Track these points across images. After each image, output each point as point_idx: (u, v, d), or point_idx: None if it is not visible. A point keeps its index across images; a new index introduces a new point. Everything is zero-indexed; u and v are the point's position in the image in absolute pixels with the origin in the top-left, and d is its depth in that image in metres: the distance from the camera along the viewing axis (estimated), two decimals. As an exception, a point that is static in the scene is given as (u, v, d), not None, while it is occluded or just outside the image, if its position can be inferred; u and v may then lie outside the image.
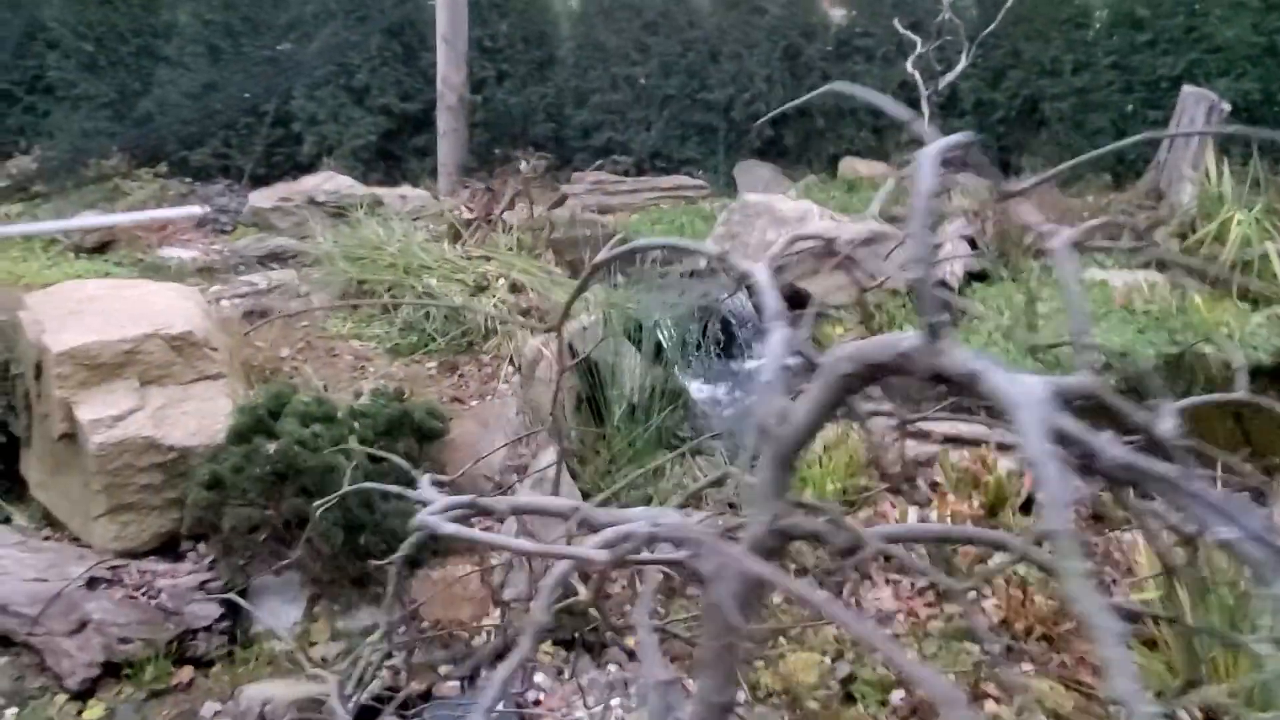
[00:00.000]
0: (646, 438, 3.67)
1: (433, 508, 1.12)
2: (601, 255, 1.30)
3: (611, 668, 2.76)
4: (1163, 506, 0.95)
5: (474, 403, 3.82)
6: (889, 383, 4.38)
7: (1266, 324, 5.96)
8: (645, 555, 1.02)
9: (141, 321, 3.35)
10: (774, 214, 6.43)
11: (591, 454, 3.85)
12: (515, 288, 4.42)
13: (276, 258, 6.81)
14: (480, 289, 4.38)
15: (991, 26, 7.67)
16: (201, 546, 3.18)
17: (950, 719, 0.64)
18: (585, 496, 3.53)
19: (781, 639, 2.73)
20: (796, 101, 1.79)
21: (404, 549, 1.38)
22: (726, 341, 5.69)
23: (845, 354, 0.94)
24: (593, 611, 2.90)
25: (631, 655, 2.75)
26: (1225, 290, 6.55)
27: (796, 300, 6.32)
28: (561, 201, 5.55)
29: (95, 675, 2.67)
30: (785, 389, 0.96)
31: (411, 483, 3.16)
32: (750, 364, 5.72)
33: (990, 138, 8.89)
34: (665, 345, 4.52)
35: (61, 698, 2.64)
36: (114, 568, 2.95)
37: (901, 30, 8.01)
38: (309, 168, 9.58)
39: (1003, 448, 3.57)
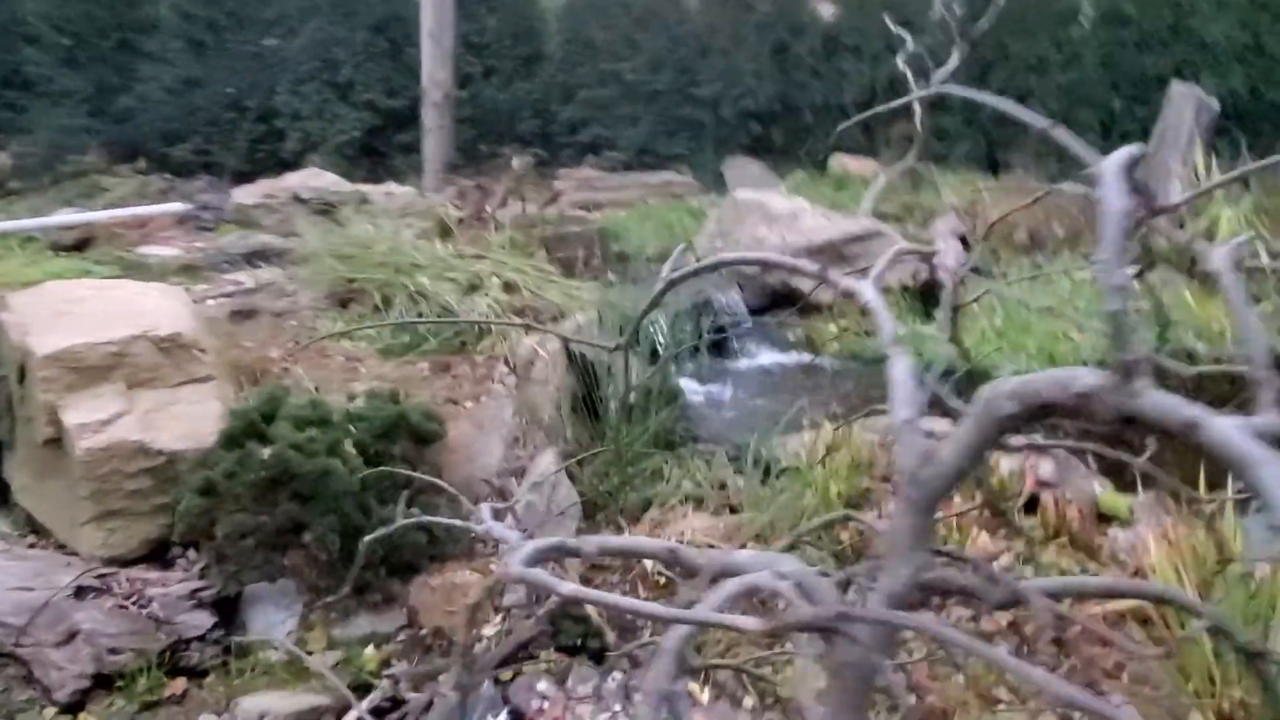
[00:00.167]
0: (645, 439, 3.62)
1: (520, 554, 1.00)
2: (681, 272, 1.23)
3: (617, 675, 2.71)
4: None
5: (469, 404, 3.75)
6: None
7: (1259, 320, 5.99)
8: (793, 618, 0.89)
9: (128, 323, 3.26)
10: (766, 211, 6.39)
11: (590, 456, 3.79)
12: (509, 287, 4.36)
13: (261, 256, 6.70)
14: (473, 288, 4.31)
15: (985, 25, 7.65)
16: (191, 553, 3.10)
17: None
18: (583, 499, 3.48)
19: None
20: (896, 103, 1.68)
21: (479, 594, 1.25)
22: (719, 339, 5.65)
23: (1007, 391, 0.84)
24: (595, 617, 2.86)
25: (635, 662, 2.70)
26: (1215, 287, 6.58)
27: (788, 297, 6.30)
28: (554, 199, 5.50)
29: (85, 687, 2.59)
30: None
31: (410, 484, 3.11)
32: (743, 363, 5.69)
33: (978, 135, 8.90)
34: (661, 344, 4.47)
35: (50, 711, 2.56)
36: (102, 576, 2.87)
37: (893, 27, 7.99)
38: (292, 164, 9.46)
39: (1004, 448, 3.55)
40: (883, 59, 8.82)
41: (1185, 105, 7.38)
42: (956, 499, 3.04)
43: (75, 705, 2.57)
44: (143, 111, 9.85)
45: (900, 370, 0.88)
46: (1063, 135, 0.93)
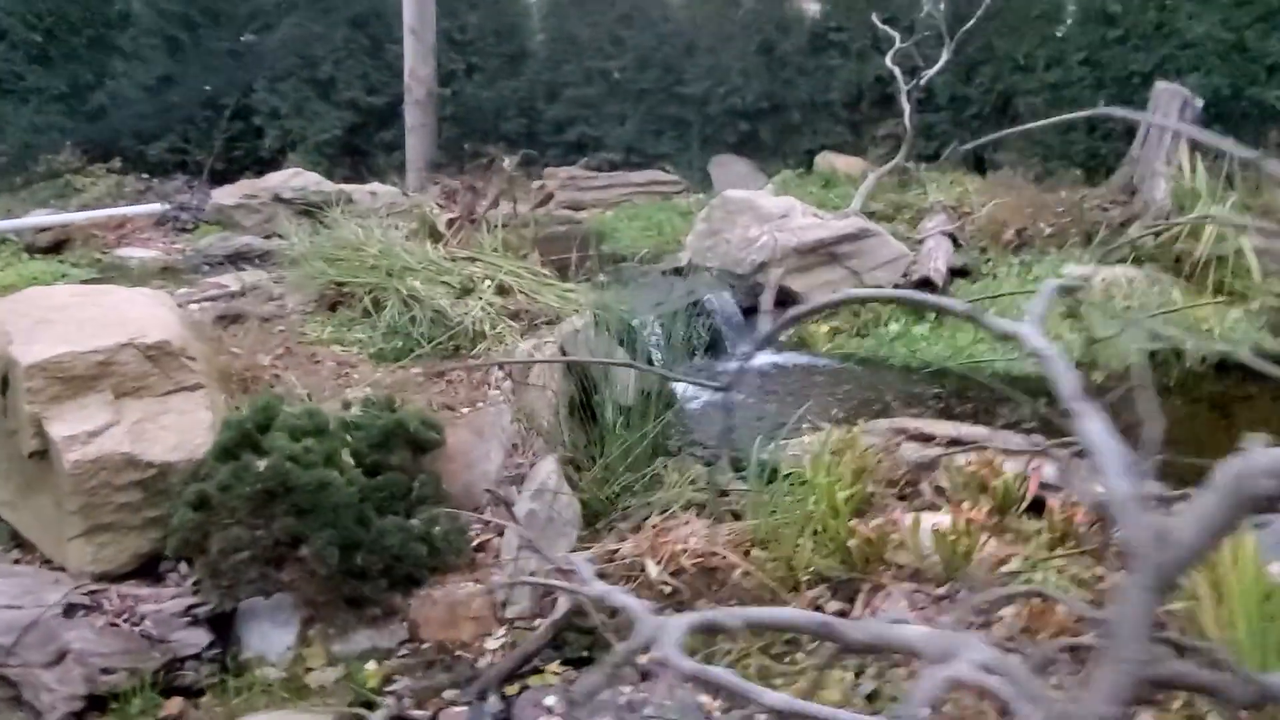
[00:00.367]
0: (646, 445, 3.56)
1: (671, 633, 0.88)
2: (804, 309, 1.16)
3: (625, 688, 2.66)
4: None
5: (465, 410, 3.68)
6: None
7: (1245, 319, 6.03)
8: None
9: (115, 330, 3.16)
10: (756, 210, 6.35)
11: (586, 460, 3.74)
12: (503, 290, 4.28)
13: (243, 257, 6.60)
14: (466, 291, 4.24)
15: (970, 23, 7.65)
16: (183, 567, 3.02)
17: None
18: (584, 505, 3.42)
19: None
20: (1059, 119, 1.54)
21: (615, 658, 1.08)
22: (711, 341, 5.60)
23: (1264, 468, 0.74)
24: (601, 629, 2.81)
25: (645, 675, 2.65)
26: (1201, 285, 6.62)
27: (782, 298, 6.26)
28: (548, 200, 5.43)
29: (78, 709, 2.50)
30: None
31: (409, 493, 3.04)
32: (735, 364, 5.64)
33: (964, 133, 8.91)
34: (657, 347, 4.42)
35: (40, 734, 2.47)
36: (92, 593, 2.78)
37: (879, 25, 7.98)
38: (271, 163, 9.32)
39: (1008, 451, 3.53)
40: (869, 56, 8.81)
41: (1170, 104, 7.42)
42: (964, 503, 3.02)
43: (67, 728, 2.48)
44: (117, 110, 9.67)
45: (1097, 432, 0.79)
46: (1274, 167, 0.85)
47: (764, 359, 5.68)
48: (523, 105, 9.58)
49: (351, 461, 2.91)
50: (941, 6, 8.62)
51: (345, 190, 7.15)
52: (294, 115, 9.41)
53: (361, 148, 9.64)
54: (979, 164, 9.01)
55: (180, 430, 3.11)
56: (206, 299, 4.70)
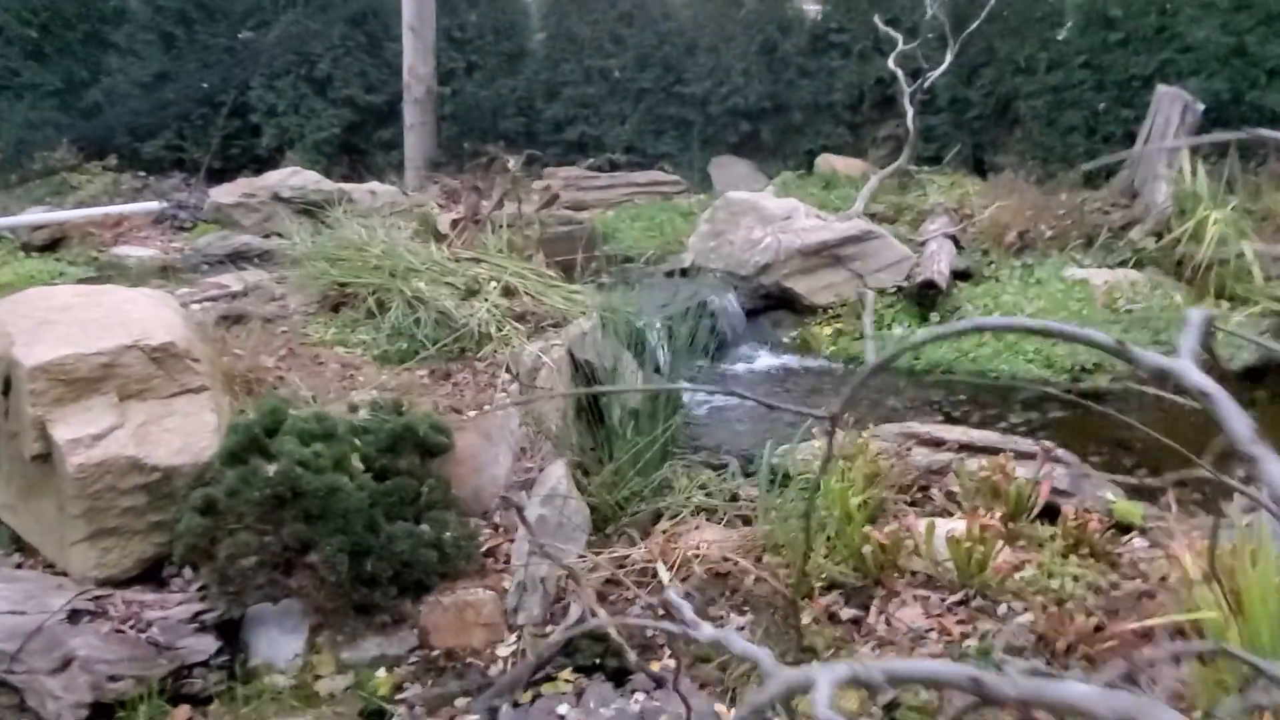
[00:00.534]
0: (654, 449, 3.53)
1: (823, 693, 0.78)
2: (925, 335, 1.11)
3: (639, 696, 2.63)
4: None
5: (472, 413, 3.64)
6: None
7: (1247, 323, 6.02)
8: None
9: (119, 332, 3.12)
10: (760, 212, 6.33)
11: (595, 465, 3.70)
12: (509, 291, 4.25)
13: (242, 256, 6.55)
14: (471, 293, 4.20)
15: (974, 25, 7.64)
16: (187, 572, 2.97)
17: None
18: (593, 510, 3.39)
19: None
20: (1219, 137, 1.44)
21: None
22: (716, 343, 5.57)
23: None
24: (615, 635, 2.77)
25: (659, 683, 2.62)
26: (1203, 289, 6.62)
27: (785, 300, 6.25)
28: (553, 200, 5.39)
29: (84, 717, 2.46)
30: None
31: (418, 497, 3.00)
32: (740, 366, 5.62)
33: (965, 135, 8.91)
34: (663, 349, 4.39)
35: (45, 744, 2.43)
36: (97, 598, 2.74)
37: (881, 26, 7.96)
38: (268, 161, 9.27)
39: (1021, 455, 3.51)
40: (870, 58, 8.79)
41: (1172, 107, 7.42)
42: (979, 510, 2.99)
43: (72, 738, 2.44)
44: (112, 106, 9.59)
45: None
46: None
47: (768, 362, 5.66)
48: (522, 104, 9.54)
49: (360, 466, 2.87)
50: (936, 6, 8.61)
51: (344, 189, 7.11)
52: (291, 113, 9.35)
53: (360, 146, 9.58)
54: (979, 166, 9.01)
55: (185, 433, 3.07)
56: (208, 299, 4.66)
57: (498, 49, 9.50)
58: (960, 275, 6.57)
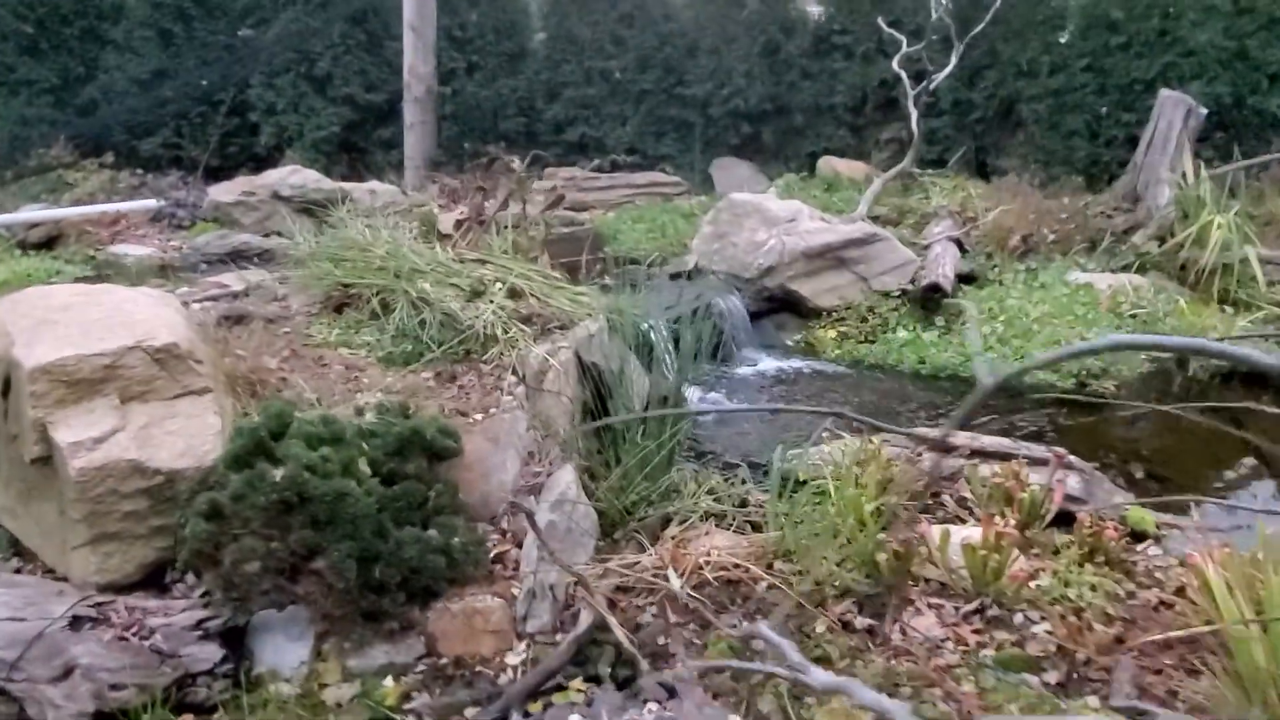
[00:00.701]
0: (664, 453, 3.48)
1: None
2: (1081, 347, 1.06)
3: (652, 706, 2.58)
4: None
5: (478, 416, 3.59)
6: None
7: (1253, 328, 6.00)
8: None
9: (121, 332, 3.06)
10: (764, 214, 6.29)
11: (602, 469, 3.66)
12: (514, 293, 4.20)
13: (241, 255, 6.49)
14: (476, 294, 4.15)
15: (979, 28, 7.61)
16: (190, 577, 2.92)
17: None
18: (601, 515, 3.34)
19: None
20: None
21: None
22: (719, 346, 5.53)
23: None
24: (625, 644, 2.73)
25: (671, 692, 2.58)
26: (1207, 294, 6.60)
27: (788, 303, 6.21)
28: (559, 202, 5.34)
29: (84, 728, 2.41)
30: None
31: (426, 502, 2.95)
32: (744, 369, 5.58)
33: (967, 138, 8.89)
34: (669, 352, 4.34)
35: (45, 754, 2.38)
36: (99, 604, 2.68)
37: (885, 29, 7.93)
38: (266, 160, 9.21)
39: (1034, 462, 3.48)
40: (873, 60, 8.76)
41: (1175, 111, 7.40)
42: (995, 518, 2.96)
43: (74, 748, 2.38)
44: (109, 103, 9.52)
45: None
46: None
47: (772, 365, 5.62)
48: (523, 104, 9.49)
49: (368, 471, 2.82)
50: (941, 9, 8.59)
51: (344, 188, 7.05)
52: (291, 111, 9.29)
53: (359, 145, 9.53)
54: (981, 169, 9.00)
55: (188, 436, 3.02)
56: (208, 299, 4.60)
57: (498, 49, 9.45)
58: (964, 279, 6.54)
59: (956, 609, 2.87)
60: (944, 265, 6.20)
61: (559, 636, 2.81)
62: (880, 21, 8.12)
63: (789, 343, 5.99)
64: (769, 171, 9.07)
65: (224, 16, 9.50)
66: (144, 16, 9.49)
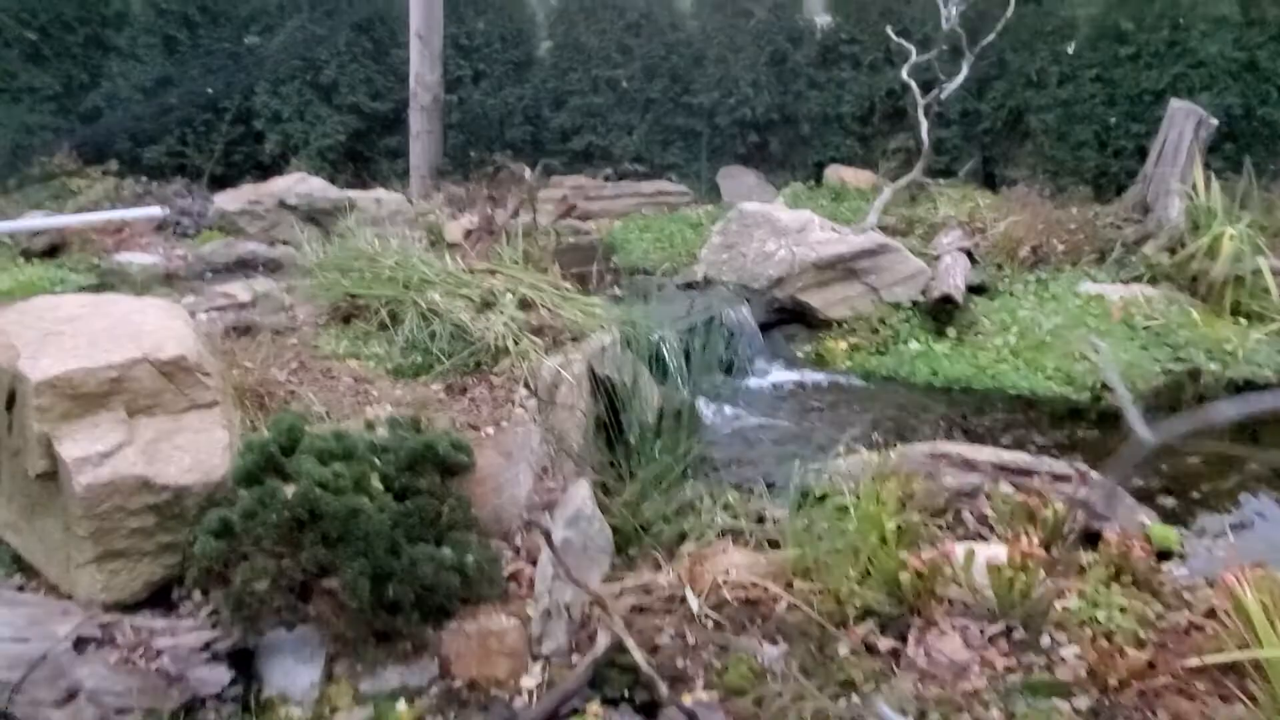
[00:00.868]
0: (679, 468, 3.42)
1: None
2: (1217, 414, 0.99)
3: (672, 732, 2.51)
4: None
5: (489, 429, 3.53)
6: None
7: (1267, 340, 5.95)
8: None
9: (128, 344, 3.00)
10: (773, 224, 6.24)
11: (615, 482, 3.60)
12: (525, 304, 4.14)
13: (246, 264, 6.44)
14: (487, 305, 4.09)
15: (989, 38, 7.56)
16: (197, 595, 2.86)
17: None
18: (615, 531, 3.28)
19: None
20: None
21: None
22: (729, 357, 5.47)
23: None
24: (644, 666, 2.67)
25: (692, 716, 2.51)
26: (1219, 306, 6.55)
27: (798, 314, 6.15)
28: (569, 211, 5.28)
29: (89, 753, 2.34)
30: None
31: (439, 518, 2.89)
32: (754, 381, 5.52)
33: (975, 148, 8.85)
34: (683, 364, 4.29)
35: (49, 779, 2.31)
36: (104, 625, 2.62)
37: (894, 38, 7.89)
38: (271, 168, 9.16)
39: (1055, 478, 3.42)
40: (881, 69, 8.73)
41: (1186, 122, 7.36)
42: (1021, 538, 2.89)
43: (78, 773, 2.32)
44: (113, 111, 9.47)
45: None
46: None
47: (784, 376, 5.56)
48: (529, 113, 9.45)
49: (380, 486, 2.76)
50: (953, 20, 8.55)
51: (351, 197, 7.00)
52: (296, 119, 9.24)
53: (364, 153, 9.48)
54: (989, 179, 8.96)
55: (196, 450, 2.96)
56: (215, 309, 4.54)
57: (505, 57, 9.41)
58: (974, 290, 6.49)
59: (982, 631, 2.80)
60: (955, 276, 6.15)
61: (575, 658, 2.74)
62: (889, 31, 8.07)
63: (799, 354, 5.92)
64: (776, 181, 9.03)
65: (229, 24, 9.46)
66: (148, 23, 9.45)
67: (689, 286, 6.14)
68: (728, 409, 4.98)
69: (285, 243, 6.45)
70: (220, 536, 2.53)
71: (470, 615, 2.78)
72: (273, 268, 6.15)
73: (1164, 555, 3.31)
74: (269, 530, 2.52)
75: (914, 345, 5.79)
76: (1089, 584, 2.89)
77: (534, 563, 3.02)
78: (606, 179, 8.51)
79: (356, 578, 2.53)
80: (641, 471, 3.52)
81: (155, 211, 6.98)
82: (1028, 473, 3.48)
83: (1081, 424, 4.80)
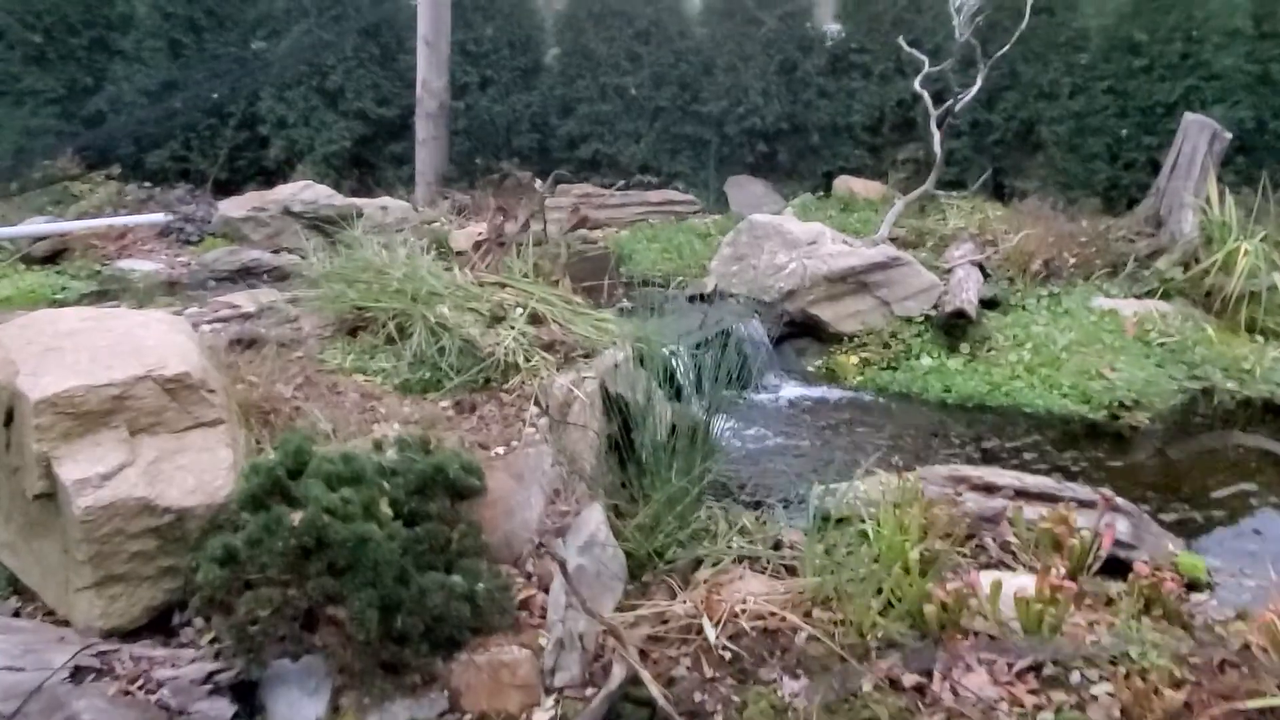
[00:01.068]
0: (696, 491, 3.33)
1: None
2: None
3: (691, 771, 2.43)
4: None
5: (499, 449, 3.45)
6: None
7: (1284, 360, 5.86)
8: None
9: (130, 361, 2.92)
10: (784, 236, 6.16)
11: (628, 504, 3.51)
12: (536, 319, 4.06)
13: (250, 272, 6.37)
14: (497, 319, 4.01)
15: (1004, 49, 7.48)
16: (198, 620, 2.77)
17: None
18: (629, 556, 3.19)
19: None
20: None
21: None
22: (740, 371, 5.38)
23: None
24: (661, 701, 2.58)
25: (710, 754, 2.42)
26: (1234, 322, 6.47)
27: (809, 327, 6.07)
28: (582, 223, 5.21)
29: (85, 791, 2.25)
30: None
31: (449, 544, 2.80)
32: (765, 396, 5.43)
33: (985, 159, 8.77)
34: (696, 381, 4.20)
35: (43, 818, 2.22)
36: (103, 654, 2.53)
37: (907, 48, 7.81)
38: (276, 174, 9.10)
39: (1080, 504, 3.33)
40: (891, 79, 8.66)
41: (1200, 135, 7.29)
42: (1050, 569, 2.80)
43: (74, 812, 2.23)
44: (117, 115, 9.41)
45: None
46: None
47: (795, 392, 5.48)
48: (536, 120, 9.38)
49: (389, 512, 2.67)
50: (967, 31, 8.48)
51: (357, 204, 6.93)
52: (301, 125, 9.17)
53: (370, 160, 9.41)
54: (999, 191, 8.88)
55: (199, 471, 2.87)
56: (219, 320, 4.46)
57: (513, 64, 9.34)
58: (986, 304, 6.42)
59: (1009, 666, 2.71)
60: (968, 291, 6.07)
61: (589, 691, 2.65)
62: (900, 41, 8.00)
63: (810, 368, 5.84)
64: (784, 190, 8.96)
65: (235, 28, 9.40)
66: (154, 27, 9.39)
67: (699, 299, 6.07)
68: (739, 426, 4.90)
69: (290, 250, 6.38)
70: (224, 564, 2.44)
71: (481, 646, 2.69)
72: (277, 276, 6.08)
73: (1192, 586, 3.22)
74: (274, 558, 2.43)
75: (926, 361, 5.70)
76: (1119, 617, 2.80)
77: (546, 590, 2.93)
78: (620, 189, 8.42)
79: (365, 609, 2.44)
80: (655, 494, 3.43)
81: (158, 218, 6.91)
82: (1052, 498, 3.39)
83: (1101, 444, 4.71)
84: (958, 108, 7.28)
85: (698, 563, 3.24)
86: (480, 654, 2.67)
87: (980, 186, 8.40)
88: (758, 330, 5.64)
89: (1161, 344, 6.00)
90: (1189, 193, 7.33)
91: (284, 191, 7.04)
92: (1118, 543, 3.23)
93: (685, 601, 2.98)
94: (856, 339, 5.96)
